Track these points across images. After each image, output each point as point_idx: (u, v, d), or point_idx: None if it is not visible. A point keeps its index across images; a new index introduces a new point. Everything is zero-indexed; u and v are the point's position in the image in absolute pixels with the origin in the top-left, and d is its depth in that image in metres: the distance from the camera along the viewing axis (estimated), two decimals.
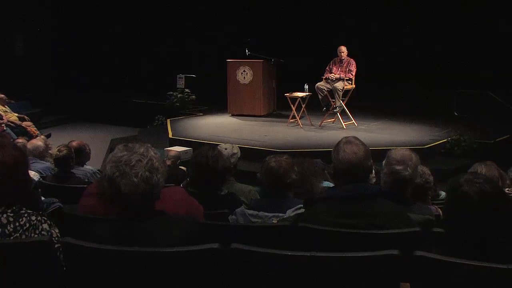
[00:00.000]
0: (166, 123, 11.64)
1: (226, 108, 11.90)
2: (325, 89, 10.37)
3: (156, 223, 2.21)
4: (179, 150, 8.84)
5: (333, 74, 10.30)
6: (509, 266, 1.97)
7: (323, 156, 6.44)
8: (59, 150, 5.29)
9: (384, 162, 3.31)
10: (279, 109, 11.94)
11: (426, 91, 12.76)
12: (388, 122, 11.02)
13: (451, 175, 7.78)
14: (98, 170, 6.13)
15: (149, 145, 2.26)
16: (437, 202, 4.70)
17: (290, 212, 3.20)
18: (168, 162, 6.37)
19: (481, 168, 3.38)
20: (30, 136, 9.17)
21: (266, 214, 3.26)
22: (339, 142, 2.83)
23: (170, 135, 10.33)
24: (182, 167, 6.22)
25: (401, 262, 2.15)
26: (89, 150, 6.35)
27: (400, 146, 6.43)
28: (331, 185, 4.47)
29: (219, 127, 10.93)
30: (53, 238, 2.26)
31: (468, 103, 10.79)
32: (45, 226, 2.29)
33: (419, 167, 3.42)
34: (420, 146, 8.85)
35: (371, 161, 2.82)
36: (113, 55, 15.32)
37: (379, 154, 3.55)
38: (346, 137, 2.86)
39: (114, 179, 2.14)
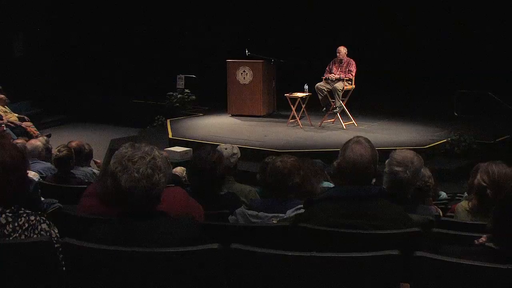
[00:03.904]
0: (166, 123, 11.64)
1: (226, 108, 11.90)
2: (325, 89, 10.37)
3: (156, 223, 2.21)
4: (178, 151, 8.86)
5: (333, 75, 10.30)
6: (509, 266, 1.97)
7: (323, 156, 6.47)
8: (59, 151, 5.29)
9: (386, 161, 3.30)
10: (279, 109, 11.93)
11: (426, 91, 12.76)
12: (388, 122, 11.02)
13: (451, 175, 7.75)
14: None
15: (155, 146, 2.27)
16: (437, 202, 4.71)
17: (290, 213, 3.20)
18: None
19: (495, 167, 3.36)
20: (30, 137, 9.16)
21: (266, 214, 3.26)
22: (349, 140, 2.81)
23: (170, 136, 10.33)
24: (180, 167, 6.22)
25: (401, 262, 2.15)
26: (91, 149, 6.39)
27: (400, 146, 6.45)
28: (331, 185, 4.47)
29: (219, 127, 10.93)
30: (53, 238, 2.26)
31: (468, 103, 10.80)
32: (44, 226, 2.29)
33: (422, 170, 3.42)
34: (420, 146, 8.86)
35: (377, 166, 2.79)
36: (113, 55, 15.31)
37: (379, 154, 3.53)
38: (357, 137, 2.84)
39: (116, 174, 2.15)
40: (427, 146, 9.05)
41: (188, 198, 3.03)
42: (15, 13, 14.17)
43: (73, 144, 5.87)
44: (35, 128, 10.79)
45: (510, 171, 3.37)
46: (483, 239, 2.12)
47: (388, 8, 13.66)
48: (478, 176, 3.37)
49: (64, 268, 2.23)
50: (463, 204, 3.58)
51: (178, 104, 12.80)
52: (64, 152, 5.25)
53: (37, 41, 15.18)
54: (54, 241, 2.26)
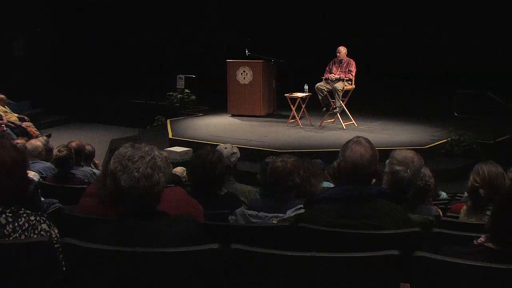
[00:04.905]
0: (166, 123, 11.64)
1: (226, 108, 11.90)
2: (325, 89, 10.37)
3: (156, 223, 2.21)
4: (178, 151, 8.86)
5: (333, 75, 10.30)
6: (509, 266, 1.97)
7: (323, 156, 6.48)
8: (59, 151, 5.29)
9: (387, 161, 3.31)
10: (279, 109, 11.94)
11: (426, 91, 12.75)
12: (388, 122, 11.02)
13: (451, 175, 7.76)
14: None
15: (155, 146, 2.27)
16: (437, 202, 4.71)
17: (290, 213, 3.20)
18: None
19: (485, 167, 3.39)
20: (30, 137, 9.17)
21: (266, 214, 3.26)
22: (349, 140, 2.82)
23: (170, 136, 10.33)
24: (180, 167, 6.22)
25: (401, 262, 2.15)
26: (94, 150, 6.43)
27: (400, 146, 6.44)
28: (331, 185, 4.47)
29: (219, 127, 10.93)
30: (53, 239, 2.26)
31: (468, 103, 10.79)
32: (44, 226, 2.29)
33: (422, 170, 3.43)
34: (420, 146, 8.86)
35: (377, 166, 2.79)
36: (113, 55, 15.32)
37: (379, 154, 3.53)
38: (357, 137, 2.84)
39: (116, 173, 2.15)
40: (427, 146, 9.05)
41: (188, 198, 3.03)
42: (16, 13, 14.18)
43: (73, 144, 5.88)
44: (35, 128, 10.80)
45: (501, 170, 3.40)
46: (481, 239, 2.13)
47: (388, 8, 13.66)
48: (471, 177, 3.40)
49: (64, 268, 2.23)
50: (464, 207, 3.60)
51: (178, 104, 12.80)
52: (64, 152, 5.25)
53: (37, 42, 15.18)
54: (54, 241, 2.26)
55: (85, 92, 15.05)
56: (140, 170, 2.15)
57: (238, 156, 4.52)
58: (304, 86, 10.60)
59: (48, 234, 2.27)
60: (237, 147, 4.64)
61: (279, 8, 14.49)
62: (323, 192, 2.97)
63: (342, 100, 10.35)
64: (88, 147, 6.43)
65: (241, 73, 11.51)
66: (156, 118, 12.44)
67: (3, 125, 10.15)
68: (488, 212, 2.21)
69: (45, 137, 7.38)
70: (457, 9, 13.08)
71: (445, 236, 2.70)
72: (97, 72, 15.18)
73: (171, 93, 12.98)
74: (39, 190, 3.83)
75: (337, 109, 10.36)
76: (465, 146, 8.96)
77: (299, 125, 10.66)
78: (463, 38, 13.01)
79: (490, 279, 2.01)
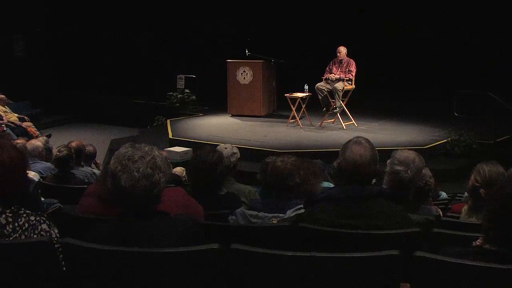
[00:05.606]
0: (166, 123, 11.65)
1: (226, 108, 11.91)
2: (325, 89, 10.37)
3: (156, 223, 2.21)
4: (178, 151, 8.86)
5: (333, 75, 10.30)
6: (509, 266, 1.97)
7: (323, 157, 6.47)
8: (59, 151, 5.29)
9: (388, 161, 3.31)
10: (279, 109, 11.95)
11: (426, 91, 12.76)
12: (388, 122, 11.03)
13: (451, 175, 7.74)
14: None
15: (155, 147, 2.27)
16: (437, 202, 4.71)
17: (290, 213, 3.20)
18: None
19: (486, 166, 3.39)
20: (30, 137, 9.17)
21: (266, 214, 3.26)
22: (349, 141, 2.82)
23: (170, 136, 10.33)
24: (180, 167, 6.22)
25: (401, 262, 2.15)
26: (95, 150, 6.44)
27: (401, 146, 6.44)
28: (331, 185, 4.47)
29: (219, 127, 10.94)
30: (53, 239, 2.26)
31: (468, 103, 10.79)
32: (44, 226, 2.29)
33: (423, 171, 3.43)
34: (421, 146, 8.86)
35: (377, 166, 2.79)
36: (113, 55, 15.32)
37: (379, 154, 3.53)
38: (357, 137, 2.84)
39: (116, 173, 2.15)
40: (427, 146, 9.05)
41: (188, 198, 3.03)
42: (15, 13, 14.18)
43: (73, 144, 5.88)
44: (35, 128, 10.81)
45: (502, 170, 3.39)
46: (479, 241, 2.11)
47: (388, 8, 13.66)
48: (472, 177, 3.40)
49: (64, 268, 2.23)
50: (465, 207, 3.60)
51: (178, 104, 12.81)
52: (64, 152, 5.25)
53: (37, 42, 15.19)
54: (54, 241, 2.26)
55: (85, 92, 15.05)
56: (140, 170, 2.15)
57: (238, 156, 4.52)
58: (304, 86, 10.61)
59: (48, 234, 2.27)
60: (237, 147, 4.64)
61: (280, 8, 14.49)
62: (323, 192, 2.97)
63: (342, 100, 10.35)
64: (89, 148, 6.43)
65: (241, 73, 11.51)
66: (156, 118, 12.44)
67: (3, 125, 10.16)
68: None
69: (45, 137, 7.38)
70: (457, 9, 13.07)
71: (445, 236, 2.70)
72: (97, 72, 15.18)
73: (171, 93, 12.99)
74: (39, 190, 3.83)
75: (337, 109, 10.37)
76: (465, 146, 8.96)
77: (299, 125, 10.66)
78: (463, 38, 13.00)
79: (490, 279, 2.00)
